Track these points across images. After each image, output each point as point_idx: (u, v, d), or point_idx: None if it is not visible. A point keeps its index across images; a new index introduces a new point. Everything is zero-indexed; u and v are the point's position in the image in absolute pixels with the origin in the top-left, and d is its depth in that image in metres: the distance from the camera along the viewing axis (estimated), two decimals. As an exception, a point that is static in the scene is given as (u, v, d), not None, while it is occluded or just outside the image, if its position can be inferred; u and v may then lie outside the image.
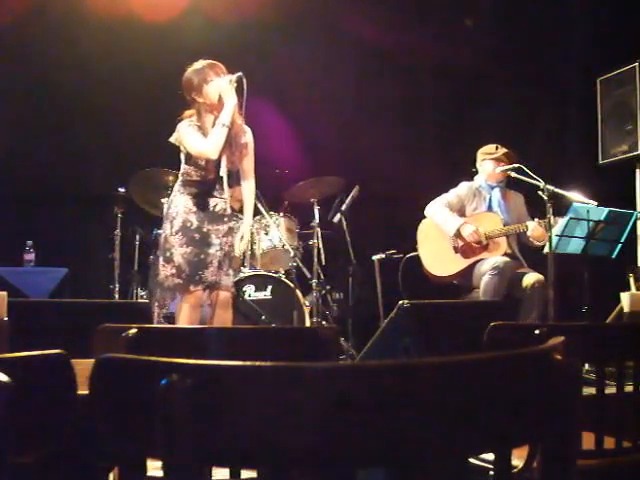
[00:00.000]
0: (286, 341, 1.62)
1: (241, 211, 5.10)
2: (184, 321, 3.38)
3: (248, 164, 3.62)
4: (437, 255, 4.42)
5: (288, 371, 0.75)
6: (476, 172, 4.53)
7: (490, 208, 4.42)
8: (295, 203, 5.06)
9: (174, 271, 3.41)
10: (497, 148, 4.44)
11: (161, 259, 3.47)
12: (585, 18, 5.81)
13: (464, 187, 4.48)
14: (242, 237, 3.60)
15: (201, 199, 3.47)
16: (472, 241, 4.30)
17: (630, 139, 5.08)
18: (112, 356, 0.80)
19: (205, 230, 3.45)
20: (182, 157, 3.53)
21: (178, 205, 3.47)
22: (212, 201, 3.49)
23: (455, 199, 4.44)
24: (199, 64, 3.49)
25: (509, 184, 4.48)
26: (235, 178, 3.58)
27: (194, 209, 3.46)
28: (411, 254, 4.61)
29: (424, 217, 4.52)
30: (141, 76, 5.28)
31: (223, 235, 3.51)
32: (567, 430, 0.89)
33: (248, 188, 3.64)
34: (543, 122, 5.93)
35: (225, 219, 3.54)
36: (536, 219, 4.13)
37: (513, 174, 4.26)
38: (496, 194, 4.43)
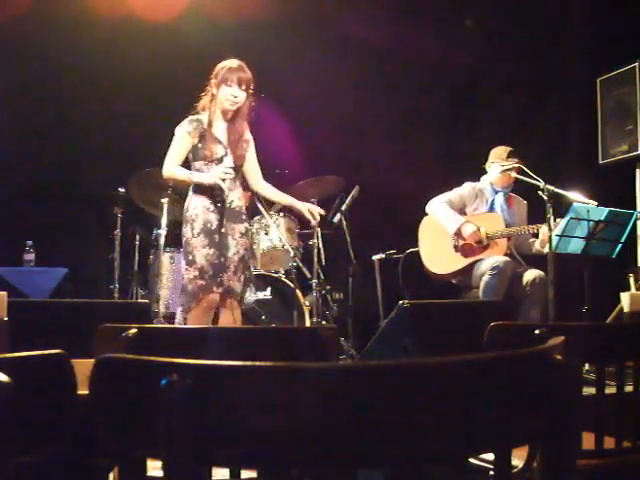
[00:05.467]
0: (286, 341, 1.62)
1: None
2: (196, 324, 3.36)
3: (253, 163, 3.67)
4: (437, 253, 4.43)
5: (288, 371, 0.75)
6: (485, 171, 4.50)
7: (491, 211, 4.42)
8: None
9: (197, 273, 3.39)
10: (509, 154, 4.33)
11: (184, 262, 3.47)
12: (585, 18, 5.81)
13: (467, 187, 4.47)
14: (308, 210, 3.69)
15: (217, 196, 3.46)
16: (472, 241, 4.30)
17: (630, 139, 5.09)
18: (112, 356, 0.80)
19: (224, 231, 3.45)
20: (189, 155, 3.53)
21: (197, 206, 3.46)
22: (228, 198, 3.49)
23: (457, 198, 4.43)
24: (234, 64, 3.50)
25: (514, 189, 4.47)
26: (239, 175, 3.58)
27: (212, 207, 3.45)
28: (411, 249, 4.62)
29: (425, 215, 4.52)
30: (141, 76, 5.28)
31: (240, 236, 3.51)
32: (567, 430, 0.89)
33: (269, 186, 3.77)
34: (543, 122, 5.93)
35: (243, 217, 3.56)
36: (545, 225, 4.05)
37: (513, 174, 4.26)
38: (499, 198, 4.41)
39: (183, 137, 3.47)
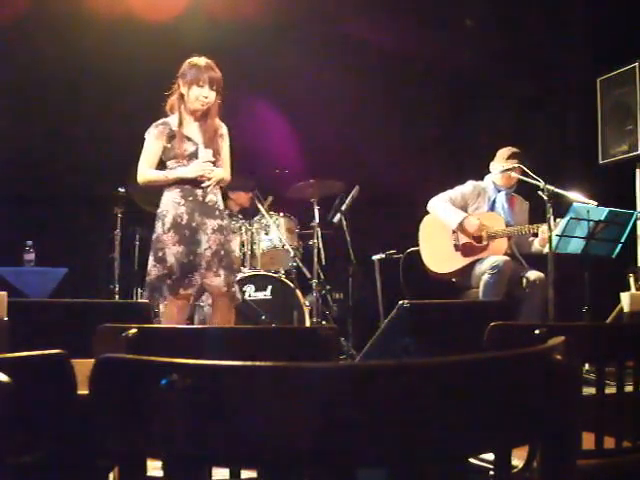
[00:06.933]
0: (286, 341, 1.62)
1: (240, 213, 5.12)
2: (170, 322, 3.36)
3: (224, 156, 3.60)
4: (437, 252, 4.43)
5: (288, 371, 0.75)
6: (489, 170, 4.50)
7: (492, 210, 4.42)
8: (295, 203, 5.06)
9: (166, 272, 3.37)
10: (510, 156, 4.31)
11: (152, 258, 3.42)
12: (585, 18, 5.81)
13: (469, 186, 4.47)
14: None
15: (188, 190, 3.46)
16: (476, 234, 4.29)
17: (630, 139, 5.08)
18: (112, 356, 0.80)
19: (194, 225, 3.41)
20: (162, 157, 3.55)
21: (167, 202, 3.46)
22: (200, 192, 3.47)
23: (459, 196, 4.43)
24: (202, 62, 3.49)
25: (517, 190, 4.47)
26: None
27: (182, 201, 3.44)
28: (412, 249, 4.62)
29: (425, 215, 4.53)
30: (141, 76, 5.27)
31: (212, 232, 3.44)
32: (567, 430, 0.89)
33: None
34: (543, 122, 5.93)
35: (217, 213, 3.49)
36: (545, 225, 4.05)
37: (513, 174, 4.26)
38: (501, 197, 4.41)
39: (152, 142, 3.50)
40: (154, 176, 3.49)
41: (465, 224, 4.32)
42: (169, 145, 3.49)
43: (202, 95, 3.45)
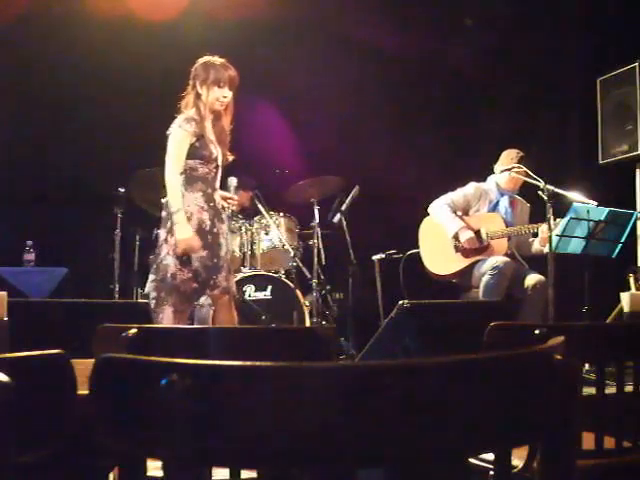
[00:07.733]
0: (286, 341, 1.62)
1: (241, 213, 5.12)
2: (173, 322, 3.35)
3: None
4: (438, 253, 4.43)
5: (288, 371, 0.75)
6: (492, 171, 4.49)
7: (494, 212, 4.42)
8: (295, 203, 5.06)
9: (191, 275, 3.35)
10: (519, 159, 4.29)
11: (177, 262, 3.34)
12: (585, 18, 5.81)
13: (471, 187, 4.47)
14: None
15: (209, 195, 3.45)
16: (467, 247, 4.31)
17: (630, 139, 5.07)
18: (112, 356, 0.80)
19: (215, 231, 3.44)
20: None
21: (190, 204, 3.38)
22: (216, 197, 3.50)
23: (461, 199, 4.43)
24: (218, 62, 3.47)
25: (519, 191, 4.47)
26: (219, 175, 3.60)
27: (205, 206, 3.42)
28: (412, 251, 4.62)
29: (425, 216, 4.53)
30: (141, 76, 5.28)
31: (226, 235, 3.54)
32: (567, 430, 0.89)
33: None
34: (543, 122, 5.93)
35: (224, 217, 3.58)
36: (544, 224, 4.02)
37: (513, 173, 4.26)
38: (504, 201, 4.41)
39: (185, 137, 3.38)
40: (176, 192, 3.35)
41: (459, 235, 4.32)
42: (198, 144, 3.41)
43: (222, 95, 3.44)
